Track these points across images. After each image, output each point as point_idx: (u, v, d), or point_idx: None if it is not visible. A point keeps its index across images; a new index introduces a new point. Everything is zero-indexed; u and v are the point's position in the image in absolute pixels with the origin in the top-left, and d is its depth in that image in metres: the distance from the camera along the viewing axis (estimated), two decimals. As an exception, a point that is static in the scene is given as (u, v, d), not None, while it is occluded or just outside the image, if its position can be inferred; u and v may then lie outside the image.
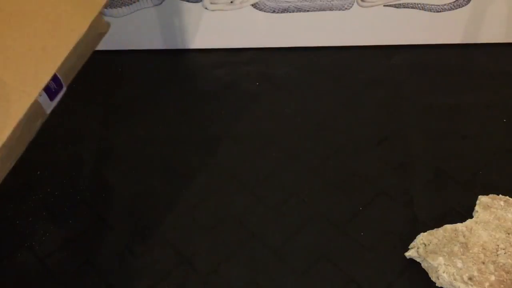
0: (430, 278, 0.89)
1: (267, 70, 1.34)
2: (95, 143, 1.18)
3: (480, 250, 0.88)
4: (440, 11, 1.30)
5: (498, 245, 0.88)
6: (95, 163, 1.13)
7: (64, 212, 1.04)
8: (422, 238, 0.92)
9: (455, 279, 0.84)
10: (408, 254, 0.93)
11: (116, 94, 1.30)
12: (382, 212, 1.02)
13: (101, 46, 1.43)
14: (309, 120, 1.21)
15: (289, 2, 1.29)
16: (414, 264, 0.92)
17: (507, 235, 0.90)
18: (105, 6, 0.86)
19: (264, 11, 1.30)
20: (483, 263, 0.86)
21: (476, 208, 0.96)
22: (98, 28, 0.88)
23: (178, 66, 1.37)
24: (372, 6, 1.29)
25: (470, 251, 0.88)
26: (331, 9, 1.29)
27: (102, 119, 1.23)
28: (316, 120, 1.21)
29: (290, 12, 1.31)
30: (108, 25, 0.92)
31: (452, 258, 0.87)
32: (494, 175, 1.07)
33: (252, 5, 1.30)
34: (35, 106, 0.74)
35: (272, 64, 1.36)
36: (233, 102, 1.26)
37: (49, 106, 0.80)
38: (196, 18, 1.33)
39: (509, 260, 0.86)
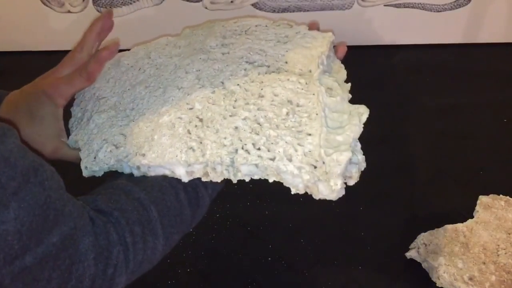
0: (430, 278, 0.89)
1: (267, 70, 1.34)
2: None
3: (481, 250, 0.88)
4: (441, 11, 1.30)
5: (498, 245, 0.88)
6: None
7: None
8: (422, 238, 0.92)
9: (455, 279, 0.84)
10: (408, 254, 0.92)
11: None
12: (382, 212, 1.01)
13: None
14: (309, 120, 1.20)
15: (289, 1, 1.29)
16: (414, 264, 0.92)
17: (507, 235, 0.89)
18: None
19: (264, 11, 1.30)
20: (484, 263, 0.86)
21: (477, 208, 0.96)
22: None
23: (178, 66, 1.37)
24: (372, 5, 1.29)
25: (471, 251, 0.88)
26: (331, 8, 1.29)
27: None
28: (316, 120, 1.21)
29: (290, 11, 1.30)
30: None
31: (453, 258, 0.87)
32: (494, 175, 1.07)
33: (252, 4, 1.30)
34: None
35: (272, 64, 1.35)
36: (233, 102, 1.26)
37: None
38: (196, 18, 1.33)
39: (509, 260, 0.86)
